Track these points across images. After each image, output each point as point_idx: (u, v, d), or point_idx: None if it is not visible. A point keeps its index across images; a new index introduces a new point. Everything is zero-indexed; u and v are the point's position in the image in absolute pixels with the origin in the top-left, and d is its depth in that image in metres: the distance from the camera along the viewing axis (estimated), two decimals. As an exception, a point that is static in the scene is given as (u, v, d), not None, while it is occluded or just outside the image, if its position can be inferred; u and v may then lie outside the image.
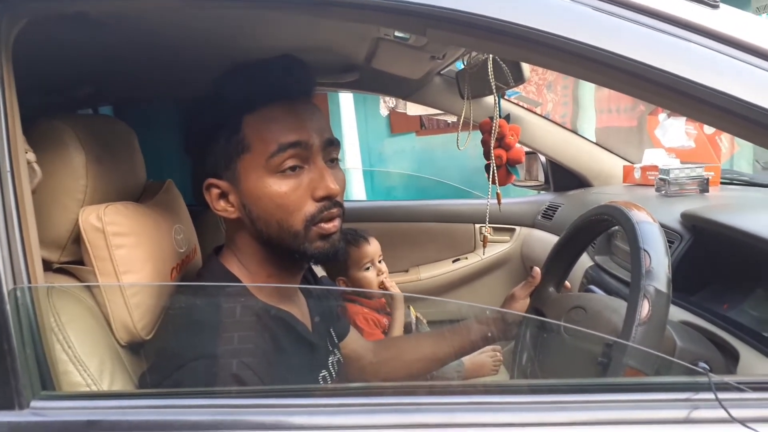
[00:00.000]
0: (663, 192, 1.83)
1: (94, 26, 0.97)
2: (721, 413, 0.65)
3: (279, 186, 0.93)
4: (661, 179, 1.86)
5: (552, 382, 0.87)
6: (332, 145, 0.98)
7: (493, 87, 1.47)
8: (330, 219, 0.96)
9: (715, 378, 0.67)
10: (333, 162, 1.00)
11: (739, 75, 0.70)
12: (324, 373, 1.08)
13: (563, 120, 5.88)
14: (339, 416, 0.72)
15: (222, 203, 0.98)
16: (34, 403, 0.71)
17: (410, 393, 0.78)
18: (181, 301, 1.01)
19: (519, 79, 1.55)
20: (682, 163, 2.02)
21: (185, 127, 1.02)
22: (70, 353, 0.84)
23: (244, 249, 1.00)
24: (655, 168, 2.05)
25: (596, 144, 2.41)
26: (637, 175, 2.17)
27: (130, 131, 1.19)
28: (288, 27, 1.33)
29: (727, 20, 0.73)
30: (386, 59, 1.66)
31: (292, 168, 0.93)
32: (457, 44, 1.38)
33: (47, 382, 0.74)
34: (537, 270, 1.27)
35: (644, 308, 0.84)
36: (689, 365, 0.72)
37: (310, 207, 0.94)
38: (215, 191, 0.97)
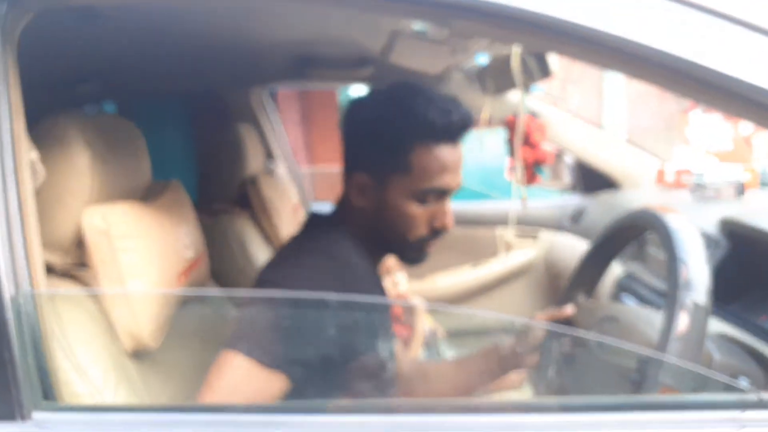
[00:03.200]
0: (698, 195, 1.81)
1: (99, 19, 0.97)
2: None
3: (414, 210, 1.11)
4: (696, 183, 1.84)
5: (593, 400, 0.86)
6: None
7: (518, 82, 1.46)
8: (432, 241, 1.15)
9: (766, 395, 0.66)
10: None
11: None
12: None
13: (589, 118, 5.84)
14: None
15: (357, 193, 1.14)
16: (35, 415, 0.71)
17: (431, 411, 0.77)
18: (192, 310, 1.01)
19: (545, 72, 1.54)
20: (718, 164, 2.00)
21: (360, 119, 1.15)
22: (73, 361, 0.84)
23: (354, 223, 1.16)
24: (688, 171, 2.03)
25: (626, 143, 2.39)
26: (670, 177, 2.15)
27: (135, 130, 1.19)
28: (301, 19, 1.33)
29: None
30: (404, 53, 1.65)
31: (429, 200, 1.11)
32: (482, 36, 1.37)
33: (49, 393, 0.74)
34: (570, 310, 1.22)
35: (682, 322, 0.83)
36: (733, 382, 0.70)
37: (426, 231, 1.13)
38: (360, 183, 1.13)
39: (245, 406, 0.86)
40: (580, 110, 6.04)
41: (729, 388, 0.76)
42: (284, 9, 1.25)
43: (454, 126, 1.09)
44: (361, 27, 1.50)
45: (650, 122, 5.99)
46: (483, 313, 2.34)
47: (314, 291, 1.00)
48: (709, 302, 0.84)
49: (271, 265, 1.13)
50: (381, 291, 1.22)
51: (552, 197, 2.74)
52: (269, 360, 0.94)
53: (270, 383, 0.95)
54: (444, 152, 1.09)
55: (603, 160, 2.31)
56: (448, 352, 2.02)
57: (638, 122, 6.02)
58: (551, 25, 0.71)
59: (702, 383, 0.84)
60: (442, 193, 1.12)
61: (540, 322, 1.23)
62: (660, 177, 2.22)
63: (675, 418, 0.69)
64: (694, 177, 1.87)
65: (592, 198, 2.37)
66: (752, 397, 0.66)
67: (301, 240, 1.18)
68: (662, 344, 0.83)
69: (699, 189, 1.81)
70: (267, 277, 1.08)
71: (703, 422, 0.68)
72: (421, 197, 1.10)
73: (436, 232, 1.14)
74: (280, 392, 0.97)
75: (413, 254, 1.17)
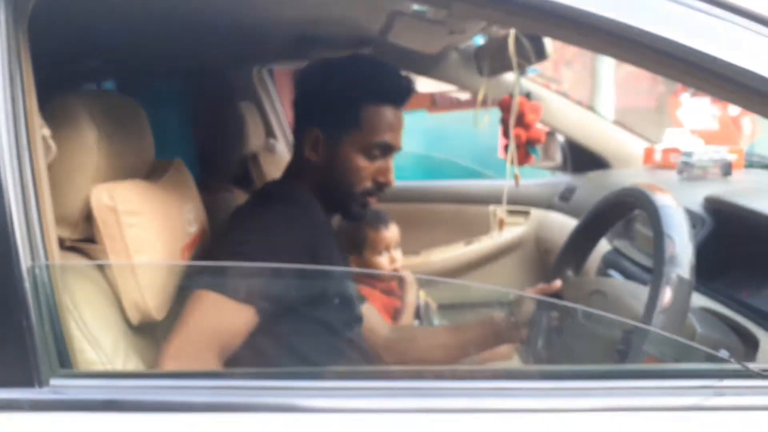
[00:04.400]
0: (685, 175, 1.83)
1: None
2: (749, 400, 0.67)
3: (361, 162, 1.22)
4: (683, 162, 1.85)
5: (581, 367, 0.88)
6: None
7: (514, 63, 1.46)
8: (374, 196, 1.27)
9: (755, 366, 0.69)
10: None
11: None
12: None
13: (581, 99, 5.82)
14: (353, 399, 0.74)
15: (310, 148, 1.24)
16: (53, 381, 0.73)
17: (424, 377, 0.80)
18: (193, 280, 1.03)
19: (541, 55, 1.54)
20: (705, 145, 2.01)
21: (311, 83, 1.28)
22: (85, 331, 0.86)
23: (305, 179, 1.27)
24: (677, 150, 2.04)
25: (615, 124, 2.40)
26: (658, 156, 2.16)
27: (139, 109, 1.20)
28: (302, -2, 1.33)
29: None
30: (402, 33, 1.65)
31: (375, 155, 1.22)
32: (483, 18, 1.37)
33: (65, 361, 0.76)
34: (558, 284, 1.27)
35: (666, 295, 0.85)
36: (713, 352, 0.73)
37: (369, 184, 1.24)
38: (313, 138, 1.23)
39: (246, 372, 0.89)
40: (573, 92, 6.02)
41: (710, 359, 0.79)
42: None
43: (401, 89, 1.23)
44: (360, 7, 1.50)
45: (640, 104, 5.99)
46: (475, 285, 2.36)
47: (286, 234, 1.12)
48: (693, 276, 0.87)
49: (240, 216, 1.22)
50: (334, 241, 1.32)
51: (543, 176, 2.76)
52: (237, 295, 1.00)
53: (239, 316, 1.02)
54: (390, 112, 1.22)
55: (593, 140, 2.32)
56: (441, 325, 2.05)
57: (628, 104, 6.01)
58: (547, 8, 0.72)
59: (685, 354, 0.86)
60: (387, 150, 1.23)
61: (530, 295, 1.26)
62: (648, 156, 2.23)
63: (657, 385, 0.71)
64: (682, 156, 1.88)
65: (581, 177, 2.39)
66: (731, 366, 0.69)
67: (262, 197, 1.28)
68: (648, 316, 0.85)
69: (686, 168, 1.82)
70: (239, 235, 1.14)
71: (684, 389, 0.70)
72: (368, 152, 1.21)
73: (379, 186, 1.25)
74: (250, 326, 1.04)
75: (357, 208, 1.27)
